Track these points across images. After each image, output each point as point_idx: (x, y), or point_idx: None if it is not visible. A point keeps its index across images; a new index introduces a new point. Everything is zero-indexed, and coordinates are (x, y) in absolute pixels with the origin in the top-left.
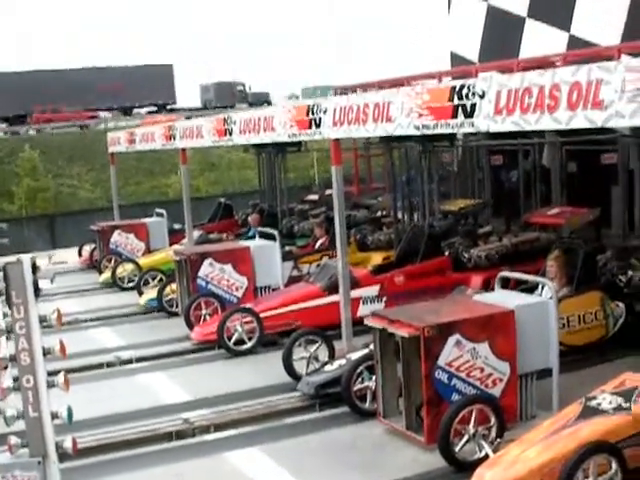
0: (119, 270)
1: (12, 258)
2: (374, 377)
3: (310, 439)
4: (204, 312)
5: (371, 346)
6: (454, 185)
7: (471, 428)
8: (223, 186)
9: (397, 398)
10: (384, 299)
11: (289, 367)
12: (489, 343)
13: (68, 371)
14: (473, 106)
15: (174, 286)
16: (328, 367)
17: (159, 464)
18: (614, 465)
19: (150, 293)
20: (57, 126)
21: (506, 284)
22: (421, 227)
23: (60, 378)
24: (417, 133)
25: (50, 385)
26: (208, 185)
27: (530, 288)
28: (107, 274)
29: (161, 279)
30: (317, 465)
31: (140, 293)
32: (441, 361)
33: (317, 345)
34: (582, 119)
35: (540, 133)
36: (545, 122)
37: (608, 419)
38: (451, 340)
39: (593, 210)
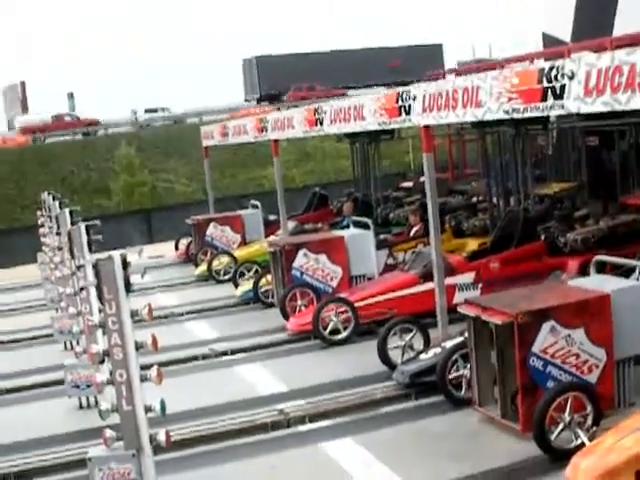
0: (215, 263)
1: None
2: (469, 365)
3: (406, 429)
4: (299, 303)
5: (466, 334)
6: (549, 168)
7: (567, 416)
8: (318, 176)
9: (492, 386)
10: (480, 286)
11: (384, 356)
12: (584, 329)
13: (164, 364)
14: (562, 88)
15: (269, 277)
16: (423, 356)
17: (254, 456)
18: None
19: (246, 285)
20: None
21: (602, 268)
22: (516, 212)
23: (153, 372)
24: (507, 117)
25: (143, 379)
26: (303, 175)
27: (628, 272)
28: (203, 267)
29: (257, 271)
30: (412, 455)
31: (236, 285)
32: (535, 348)
33: (412, 334)
34: None
35: (636, 112)
36: (637, 101)
37: None
38: (545, 326)
39: None
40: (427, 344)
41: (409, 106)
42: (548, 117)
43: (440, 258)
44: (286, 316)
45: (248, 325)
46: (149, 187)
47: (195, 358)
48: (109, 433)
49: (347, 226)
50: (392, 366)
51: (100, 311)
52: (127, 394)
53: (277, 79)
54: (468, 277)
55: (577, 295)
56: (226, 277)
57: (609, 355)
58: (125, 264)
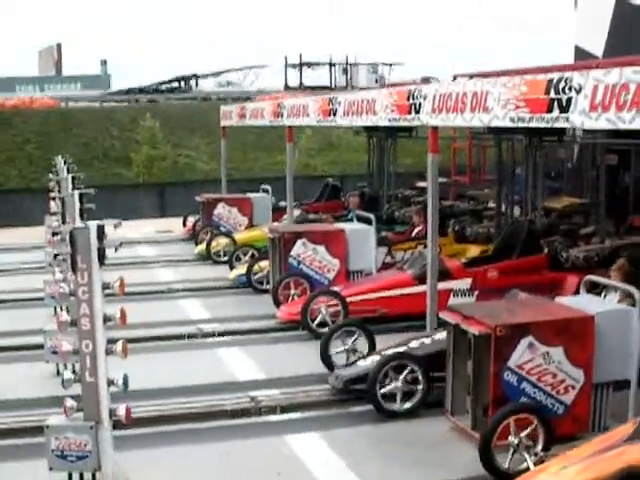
0: (213, 244)
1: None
2: (401, 377)
3: (373, 430)
4: (293, 292)
5: (405, 346)
6: (568, 182)
7: (514, 438)
8: (340, 167)
9: (466, 396)
10: (476, 293)
11: (326, 358)
12: (564, 348)
13: (148, 339)
14: (569, 100)
15: (264, 264)
16: (361, 362)
17: (215, 440)
18: None
19: (241, 269)
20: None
21: (595, 288)
22: (521, 222)
23: (118, 346)
24: (512, 125)
25: (109, 352)
26: (325, 165)
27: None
28: (202, 246)
29: (253, 255)
30: (375, 458)
31: (232, 268)
32: (511, 362)
33: (354, 337)
34: None
35: None
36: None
37: None
38: (524, 342)
39: None
40: (372, 350)
41: (419, 104)
42: (564, 130)
43: (435, 261)
44: (278, 304)
45: (240, 309)
46: (170, 161)
47: (181, 336)
48: (70, 403)
49: (351, 220)
50: (333, 369)
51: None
52: (91, 365)
53: None
54: (465, 283)
55: (560, 313)
56: (224, 258)
57: (587, 377)
58: (101, 235)
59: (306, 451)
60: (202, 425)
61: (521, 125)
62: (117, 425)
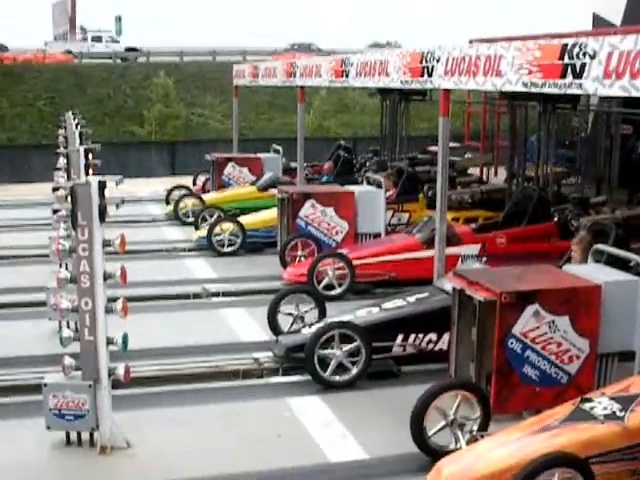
0: (181, 204)
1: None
2: (343, 347)
3: (376, 394)
4: (300, 253)
5: (353, 314)
6: (581, 151)
7: (451, 414)
8: (354, 129)
9: (470, 363)
10: (484, 259)
11: (273, 323)
12: (570, 317)
13: (154, 298)
14: (583, 66)
15: (225, 225)
16: (305, 330)
17: (216, 402)
18: None
19: (204, 230)
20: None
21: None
22: (532, 190)
23: (119, 305)
24: (524, 90)
25: (108, 310)
26: (339, 127)
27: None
28: (171, 207)
29: (219, 217)
30: (373, 421)
31: (197, 228)
32: (516, 330)
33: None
34: None
35: None
36: None
37: (593, 427)
38: (529, 309)
39: None
40: (322, 318)
41: (432, 67)
42: (578, 97)
43: (444, 226)
44: (284, 265)
45: (247, 269)
46: (183, 120)
47: (187, 296)
48: (68, 361)
49: (327, 182)
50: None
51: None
52: (90, 323)
53: None
54: (473, 249)
55: (567, 282)
56: (191, 219)
57: (592, 347)
58: (103, 191)
59: (307, 414)
60: (204, 386)
61: (534, 90)
62: (117, 384)
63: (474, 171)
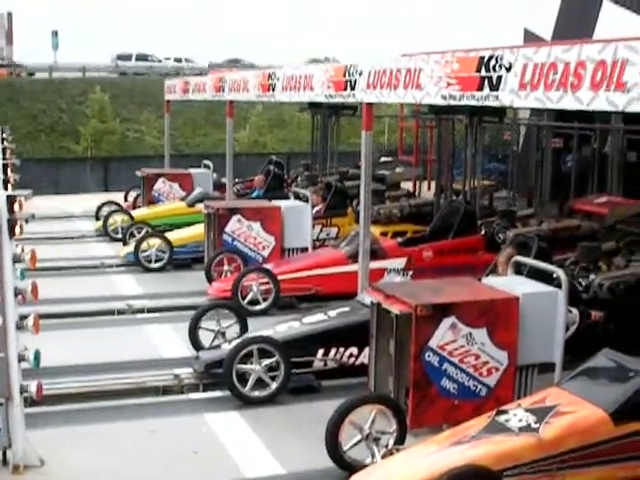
0: (110, 220)
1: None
2: (262, 362)
3: (295, 409)
4: (226, 268)
5: (273, 329)
6: (513, 164)
7: (366, 429)
8: (290, 145)
9: (389, 377)
10: (410, 273)
11: (194, 339)
12: (488, 330)
13: (80, 315)
14: (499, 79)
15: (152, 241)
16: (225, 346)
17: (134, 418)
18: None
19: (131, 246)
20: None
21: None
22: (458, 203)
23: (30, 321)
24: (443, 103)
25: (19, 327)
26: (276, 142)
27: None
28: (99, 223)
29: (147, 232)
30: (292, 436)
31: (125, 244)
32: (433, 343)
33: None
34: (604, 101)
35: (605, 118)
36: (566, 101)
37: (509, 439)
38: (446, 322)
39: None
40: (243, 333)
41: (354, 81)
42: (504, 110)
43: (367, 240)
44: (210, 280)
45: (173, 285)
46: (119, 136)
47: (112, 312)
48: None
49: (257, 198)
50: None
51: None
52: (1, 340)
53: None
54: (399, 262)
55: (485, 294)
56: (120, 235)
57: (511, 359)
58: (12, 207)
59: (225, 430)
60: (125, 402)
61: (452, 103)
62: (35, 402)
63: (407, 185)
